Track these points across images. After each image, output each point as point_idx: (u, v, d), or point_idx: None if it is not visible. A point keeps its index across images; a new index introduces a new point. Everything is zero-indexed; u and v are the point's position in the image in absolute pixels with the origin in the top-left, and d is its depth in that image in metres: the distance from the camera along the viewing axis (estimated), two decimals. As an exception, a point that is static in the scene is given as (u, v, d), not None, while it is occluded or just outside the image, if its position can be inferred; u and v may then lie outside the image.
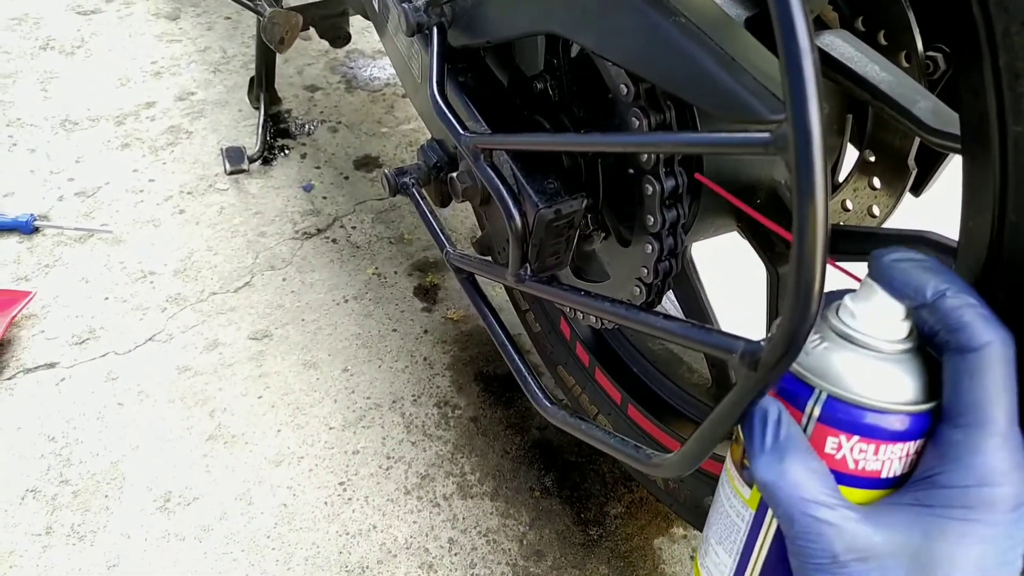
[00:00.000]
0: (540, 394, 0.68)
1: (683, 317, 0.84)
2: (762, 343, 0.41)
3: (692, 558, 1.07)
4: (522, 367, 0.70)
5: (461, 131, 0.66)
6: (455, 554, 1.05)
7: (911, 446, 0.41)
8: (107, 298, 1.34)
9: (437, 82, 0.68)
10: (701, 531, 0.95)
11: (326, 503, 1.09)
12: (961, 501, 0.38)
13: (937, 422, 0.40)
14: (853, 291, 0.44)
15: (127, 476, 1.10)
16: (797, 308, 0.38)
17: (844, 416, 0.41)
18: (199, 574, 1.00)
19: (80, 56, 1.87)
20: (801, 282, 0.37)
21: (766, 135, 0.38)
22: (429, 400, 1.23)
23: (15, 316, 1.25)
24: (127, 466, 1.11)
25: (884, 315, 0.42)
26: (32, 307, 1.30)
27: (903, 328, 0.42)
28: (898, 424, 0.40)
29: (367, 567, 1.02)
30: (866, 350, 0.41)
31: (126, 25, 1.98)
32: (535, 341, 1.17)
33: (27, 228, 1.41)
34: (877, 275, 0.42)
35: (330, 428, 1.18)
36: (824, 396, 0.41)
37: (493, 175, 0.64)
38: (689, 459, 0.49)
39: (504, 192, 0.63)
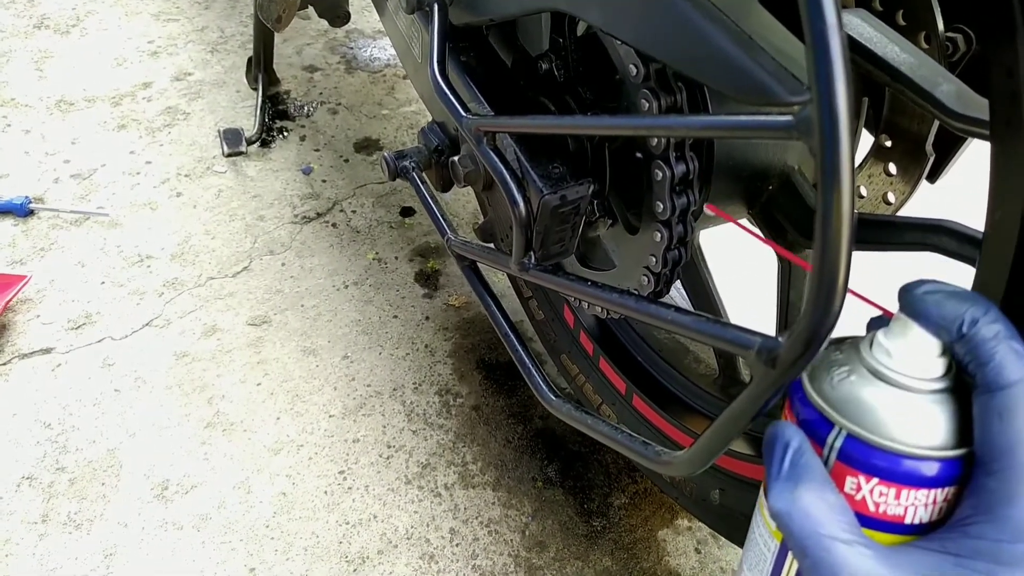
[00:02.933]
0: (544, 386, 0.65)
1: (691, 308, 0.82)
2: (780, 339, 0.39)
3: (697, 550, 1.06)
4: (525, 357, 0.68)
5: (463, 113, 0.63)
6: (456, 544, 1.03)
7: (939, 493, 0.38)
8: (103, 282, 1.31)
9: (438, 61, 0.66)
10: (706, 524, 0.94)
11: (326, 492, 1.07)
12: (990, 555, 0.35)
13: (973, 466, 0.37)
14: (885, 324, 0.41)
15: (124, 464, 1.08)
16: (819, 303, 0.36)
17: (862, 456, 0.38)
18: (197, 563, 0.99)
19: (75, 35, 1.84)
20: (824, 275, 0.35)
21: (788, 118, 0.36)
22: (430, 388, 1.22)
23: (10, 300, 1.23)
24: (124, 454, 1.09)
25: (919, 352, 0.39)
26: (27, 291, 1.28)
27: (939, 366, 0.39)
28: (921, 469, 0.37)
29: (367, 557, 1.01)
30: (897, 388, 0.39)
31: (122, 4, 1.94)
32: (538, 329, 1.15)
33: (22, 211, 1.39)
34: (909, 309, 0.39)
35: (330, 416, 1.16)
36: (844, 434, 0.39)
37: (496, 159, 0.61)
38: (700, 457, 0.47)
39: (507, 177, 0.60)
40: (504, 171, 0.61)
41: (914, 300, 0.39)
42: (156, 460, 1.09)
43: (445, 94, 0.64)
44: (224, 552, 1.00)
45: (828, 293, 0.36)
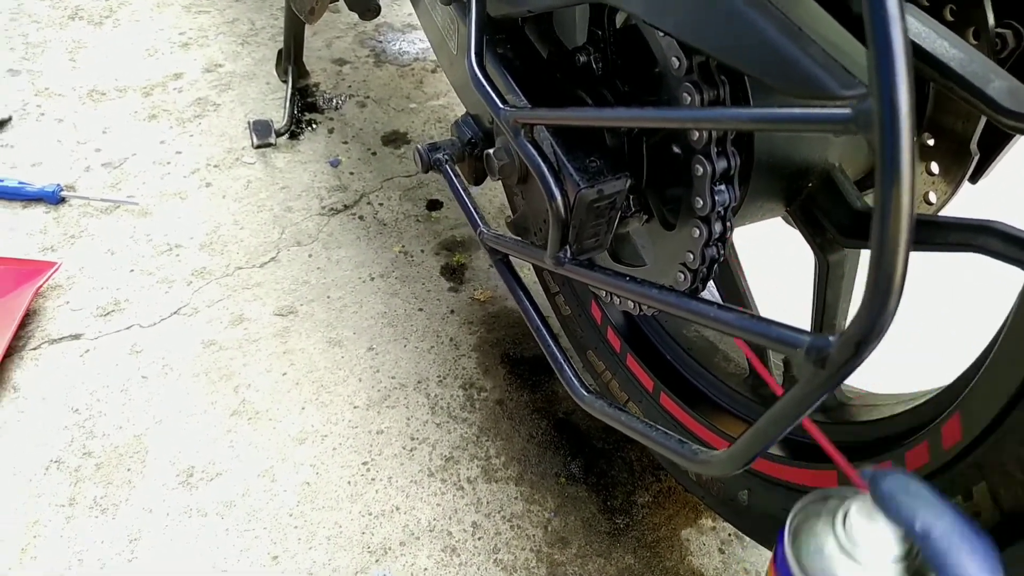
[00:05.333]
0: (576, 382, 0.65)
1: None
2: (831, 339, 0.38)
3: (720, 550, 1.05)
4: (557, 353, 0.67)
5: (501, 105, 0.62)
6: (479, 538, 1.03)
7: None
8: (132, 270, 1.33)
9: (476, 53, 0.65)
10: (732, 524, 0.93)
11: (349, 483, 1.07)
12: None
13: None
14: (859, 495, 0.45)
15: (150, 450, 1.09)
16: (875, 303, 0.35)
17: None
18: (220, 550, 0.99)
19: (108, 26, 1.86)
20: (882, 274, 0.34)
21: (846, 111, 0.35)
22: (455, 381, 1.21)
23: (41, 286, 1.24)
24: (150, 440, 1.10)
25: (882, 537, 0.43)
26: (57, 278, 1.29)
27: (901, 549, 0.44)
28: None
29: (389, 548, 1.01)
30: (862, 567, 0.44)
31: (154, -5, 1.96)
32: (564, 324, 1.14)
33: (54, 198, 1.40)
34: (876, 499, 0.42)
35: (354, 407, 1.16)
36: None
37: (534, 152, 0.61)
38: (740, 458, 0.46)
39: (545, 170, 0.60)
40: (542, 164, 0.60)
41: (879, 493, 0.42)
42: (182, 447, 1.10)
43: (483, 86, 0.64)
44: (248, 539, 1.01)
45: (885, 293, 0.35)
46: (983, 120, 0.64)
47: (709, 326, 0.45)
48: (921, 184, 0.72)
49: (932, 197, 0.72)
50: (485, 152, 0.70)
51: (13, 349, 1.19)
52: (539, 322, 0.71)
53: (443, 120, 1.70)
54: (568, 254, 0.62)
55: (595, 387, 1.11)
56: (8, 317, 1.19)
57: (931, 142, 0.70)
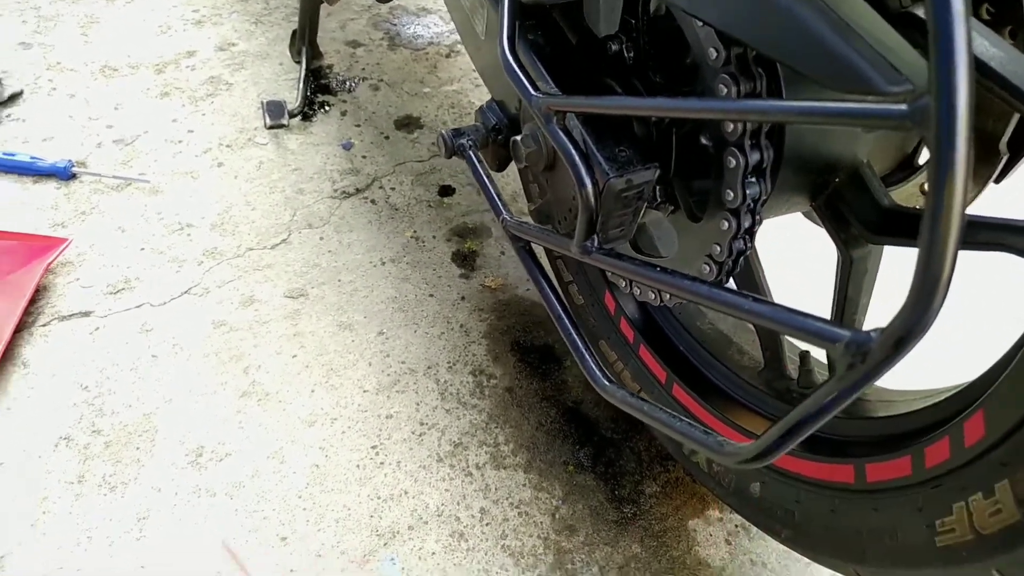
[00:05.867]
0: (597, 371, 0.65)
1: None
2: (872, 334, 0.38)
3: (727, 541, 1.06)
4: (578, 341, 0.67)
5: (532, 91, 0.62)
6: (486, 524, 1.03)
7: None
8: (143, 248, 1.32)
9: (508, 38, 0.65)
10: (742, 516, 0.93)
11: (358, 466, 1.08)
12: None
13: None
14: None
15: (159, 429, 1.09)
16: (920, 299, 0.35)
17: None
18: (229, 530, 1.00)
19: (121, 1, 1.84)
20: (929, 272, 0.34)
21: (902, 107, 0.35)
22: (464, 368, 1.22)
23: (51, 263, 1.24)
24: (159, 419, 1.10)
25: None
26: (68, 254, 1.29)
27: None
28: None
29: (397, 532, 1.01)
30: None
31: (166, -29, 1.94)
32: (577, 314, 1.14)
33: (65, 174, 1.40)
34: None
35: (364, 391, 1.17)
36: None
37: (565, 139, 0.60)
38: (769, 450, 0.46)
39: (576, 157, 0.59)
40: (573, 152, 0.60)
41: None
42: (191, 427, 1.10)
43: (515, 72, 0.63)
44: (256, 520, 1.01)
45: (931, 291, 0.35)
46: (1015, 120, 0.64)
47: (742, 318, 0.45)
48: (946, 182, 0.72)
49: (957, 196, 0.72)
50: (512, 139, 0.70)
51: (23, 325, 1.18)
52: (560, 310, 0.71)
53: (456, 105, 1.70)
54: (595, 243, 0.62)
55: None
56: (18, 293, 1.19)
57: (959, 140, 0.70)
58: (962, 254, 0.66)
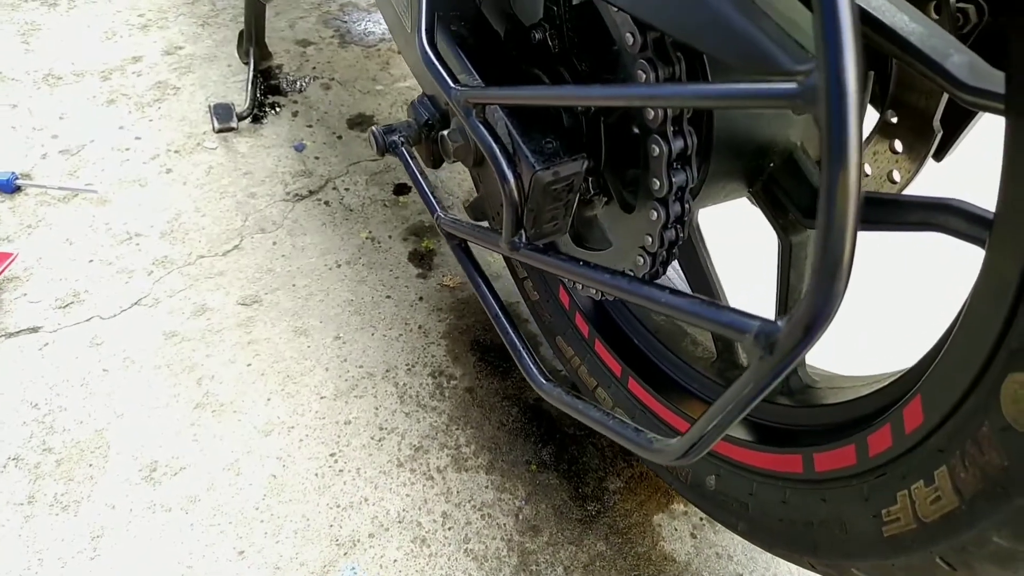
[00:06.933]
0: (534, 368, 0.63)
1: (689, 291, 0.79)
2: (779, 323, 0.37)
3: (692, 535, 1.04)
4: (515, 339, 0.66)
5: (451, 84, 0.60)
6: (449, 528, 1.02)
7: None
8: (92, 260, 1.29)
9: (427, 30, 0.63)
10: (701, 510, 0.92)
11: (316, 475, 1.06)
12: None
13: None
14: None
15: (112, 444, 1.06)
16: (822, 284, 0.34)
17: None
18: (185, 546, 0.97)
19: (63, 7, 1.80)
20: (828, 254, 0.33)
21: (792, 86, 0.33)
22: (424, 370, 1.20)
23: (-5, 279, 1.21)
24: (112, 434, 1.08)
25: None
26: (14, 269, 1.25)
27: None
28: None
29: (358, 540, 0.99)
30: None
31: (112, -24, 1.90)
32: (533, 310, 1.13)
33: (9, 187, 1.36)
34: None
35: (321, 397, 1.14)
36: None
37: (486, 133, 0.59)
38: (694, 447, 0.45)
39: (497, 151, 0.58)
40: (494, 145, 0.58)
41: None
42: (144, 441, 1.07)
43: (433, 64, 0.61)
44: (213, 535, 0.99)
45: (832, 274, 0.33)
46: (945, 97, 0.63)
47: (660, 311, 0.44)
48: (885, 163, 0.71)
49: (896, 176, 0.70)
50: (439, 134, 0.68)
51: (-33, 344, 1.15)
52: (497, 308, 0.69)
53: (410, 102, 1.68)
54: (523, 239, 0.60)
55: (564, 373, 1.10)
56: (-39, 311, 1.16)
57: (894, 120, 0.68)
58: (897, 235, 0.65)
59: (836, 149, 0.31)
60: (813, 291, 0.34)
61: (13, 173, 1.37)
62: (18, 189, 1.38)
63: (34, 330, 1.19)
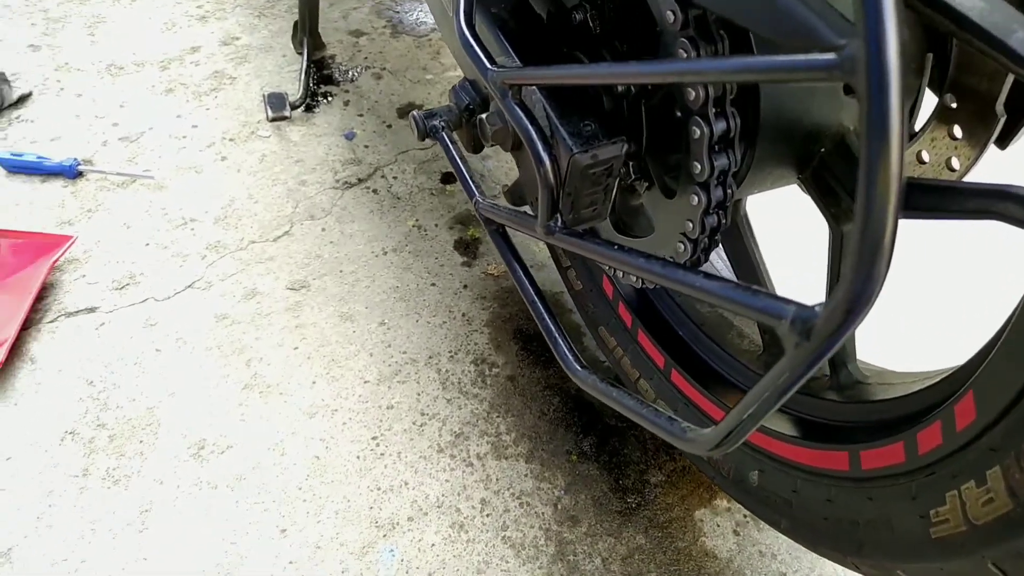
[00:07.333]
0: (570, 356, 0.62)
1: (728, 277, 0.77)
2: (817, 308, 0.35)
3: (735, 532, 1.02)
4: (551, 326, 0.65)
5: (488, 65, 0.60)
6: (487, 515, 1.02)
7: None
8: (148, 244, 1.33)
9: (465, 12, 0.62)
10: (743, 505, 0.90)
11: (358, 457, 1.07)
12: None
13: None
14: None
15: (162, 422, 1.10)
16: (861, 269, 0.32)
17: None
18: (230, 523, 1.00)
19: (126, 1, 1.86)
20: (867, 238, 0.31)
21: (831, 57, 0.31)
22: (466, 357, 1.20)
23: (57, 260, 1.25)
24: (163, 412, 1.11)
25: None
26: (74, 251, 1.30)
27: None
28: None
29: (397, 523, 1.00)
30: None
31: (174, -31, 1.95)
32: (576, 300, 1.11)
33: (71, 172, 1.41)
34: None
35: (365, 382, 1.15)
36: None
37: (522, 115, 0.58)
38: (728, 436, 0.43)
39: (533, 133, 0.57)
40: (530, 127, 0.57)
41: None
42: (194, 420, 1.10)
43: (471, 46, 0.61)
44: (257, 512, 1.01)
45: (871, 258, 0.32)
46: (1010, 78, 0.59)
47: (695, 296, 0.42)
48: (943, 150, 0.67)
49: (955, 163, 0.67)
50: (478, 117, 0.67)
51: (30, 322, 1.20)
52: (533, 294, 0.68)
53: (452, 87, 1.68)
54: (559, 223, 0.59)
55: (606, 364, 1.09)
56: (25, 290, 1.21)
57: (954, 105, 0.65)
58: (958, 224, 0.62)
59: (876, 123, 0.30)
60: (851, 274, 0.32)
61: (76, 159, 1.42)
62: (80, 175, 1.43)
63: (91, 310, 1.23)
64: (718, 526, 1.03)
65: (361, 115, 1.60)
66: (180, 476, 1.04)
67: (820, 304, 0.35)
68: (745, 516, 1.04)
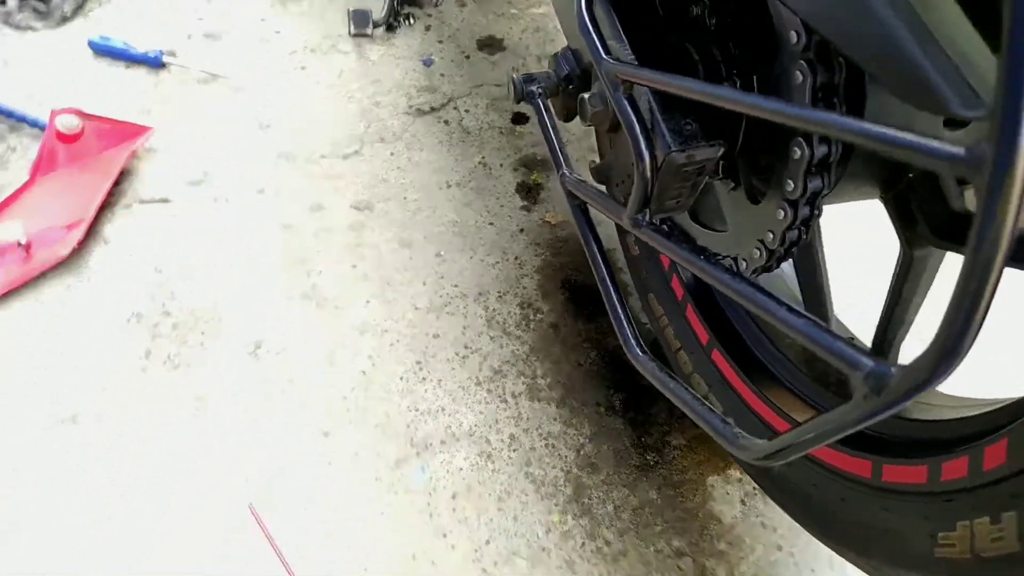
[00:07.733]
0: (633, 340, 0.66)
1: (797, 285, 0.80)
2: (893, 369, 0.38)
3: (743, 502, 1.08)
4: (619, 308, 0.68)
5: (603, 55, 0.61)
6: (514, 450, 1.08)
7: None
8: (223, 144, 1.37)
9: (588, -5, 0.63)
10: (759, 486, 0.95)
11: (402, 378, 1.13)
12: None
13: None
14: None
15: (223, 318, 1.16)
16: (948, 341, 0.35)
17: None
18: (278, 418, 1.07)
19: None
20: (960, 314, 0.34)
21: (960, 151, 0.34)
22: (514, 299, 1.24)
23: (136, 148, 1.30)
24: (225, 309, 1.17)
25: None
26: (152, 142, 1.34)
27: None
28: None
29: (430, 444, 1.07)
30: None
31: None
32: (630, 263, 1.14)
33: (156, 63, 1.44)
34: None
35: (416, 308, 1.21)
36: None
37: (629, 109, 0.60)
38: (778, 453, 0.47)
39: (638, 130, 0.59)
40: (635, 122, 0.59)
41: None
42: (253, 320, 1.16)
43: (588, 32, 0.62)
44: (305, 415, 1.08)
45: (960, 333, 0.35)
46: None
47: (774, 323, 0.46)
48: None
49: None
50: (580, 96, 0.69)
51: (107, 204, 1.26)
52: (606, 274, 0.72)
53: (542, 29, 1.66)
54: (647, 217, 0.62)
55: (648, 327, 1.12)
56: (105, 172, 1.26)
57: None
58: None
59: (988, 227, 0.32)
60: (939, 345, 0.35)
61: (160, 50, 1.44)
62: (163, 66, 1.45)
63: (164, 201, 1.28)
64: (727, 494, 1.09)
65: (441, 42, 1.60)
66: (236, 370, 1.11)
67: (897, 366, 0.39)
68: (754, 488, 1.09)
